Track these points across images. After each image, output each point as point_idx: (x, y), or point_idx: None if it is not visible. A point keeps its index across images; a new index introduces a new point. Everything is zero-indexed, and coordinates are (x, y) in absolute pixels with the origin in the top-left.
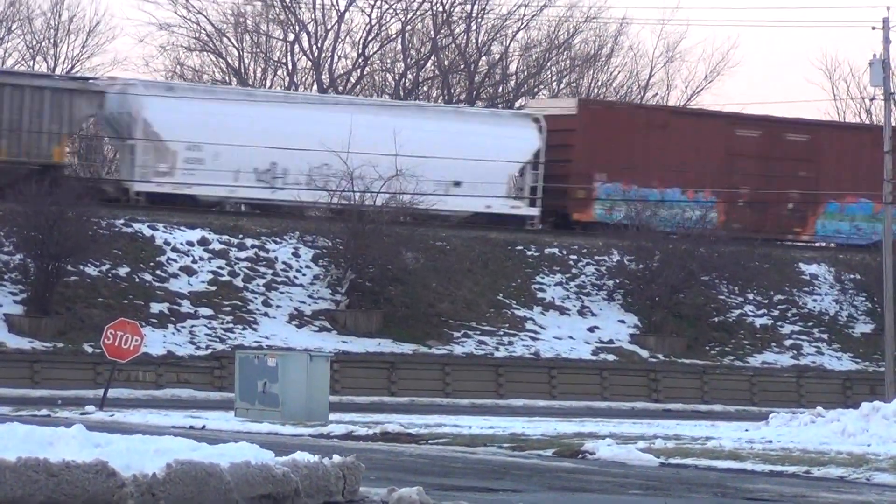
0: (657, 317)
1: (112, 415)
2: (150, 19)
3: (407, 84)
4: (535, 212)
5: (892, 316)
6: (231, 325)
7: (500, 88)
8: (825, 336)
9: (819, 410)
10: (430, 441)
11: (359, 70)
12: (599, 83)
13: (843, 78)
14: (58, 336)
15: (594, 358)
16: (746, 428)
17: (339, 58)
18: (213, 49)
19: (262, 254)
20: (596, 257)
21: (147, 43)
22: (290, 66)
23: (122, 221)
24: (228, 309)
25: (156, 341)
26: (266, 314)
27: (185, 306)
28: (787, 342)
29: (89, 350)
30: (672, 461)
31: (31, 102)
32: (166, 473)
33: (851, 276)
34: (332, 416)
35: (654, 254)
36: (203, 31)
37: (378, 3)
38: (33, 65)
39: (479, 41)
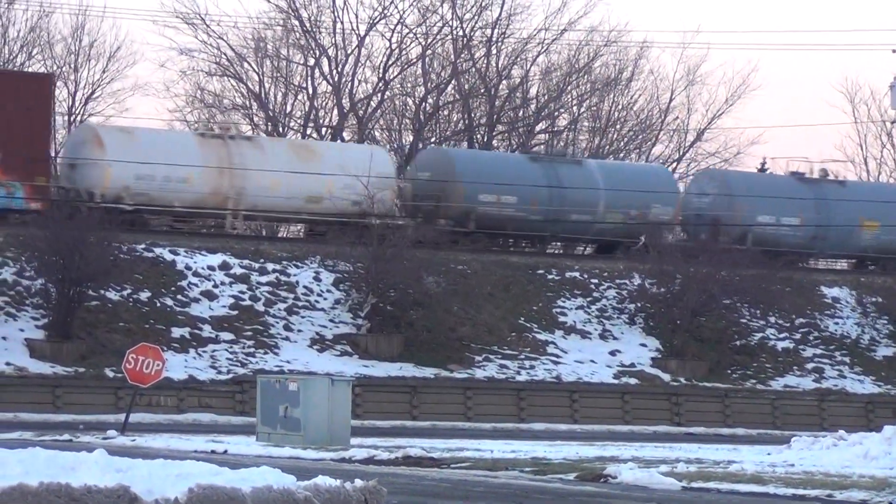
0: (679, 340)
1: (134, 439)
2: (170, 44)
3: (427, 108)
4: None
5: None
6: (252, 350)
7: (521, 112)
8: (847, 359)
9: (841, 434)
10: (451, 465)
11: (379, 94)
12: (620, 107)
13: (863, 101)
14: (79, 361)
15: (616, 382)
16: (769, 451)
17: (360, 82)
18: (233, 74)
19: (283, 278)
20: (617, 281)
21: (167, 68)
22: (310, 91)
23: (143, 246)
24: (250, 333)
25: (177, 366)
26: (287, 338)
27: (207, 331)
28: (809, 365)
29: (111, 375)
30: (694, 485)
31: None
32: (188, 498)
33: (873, 300)
34: (353, 441)
35: (676, 277)
36: (224, 55)
37: (398, 28)
38: (54, 90)
39: (500, 65)
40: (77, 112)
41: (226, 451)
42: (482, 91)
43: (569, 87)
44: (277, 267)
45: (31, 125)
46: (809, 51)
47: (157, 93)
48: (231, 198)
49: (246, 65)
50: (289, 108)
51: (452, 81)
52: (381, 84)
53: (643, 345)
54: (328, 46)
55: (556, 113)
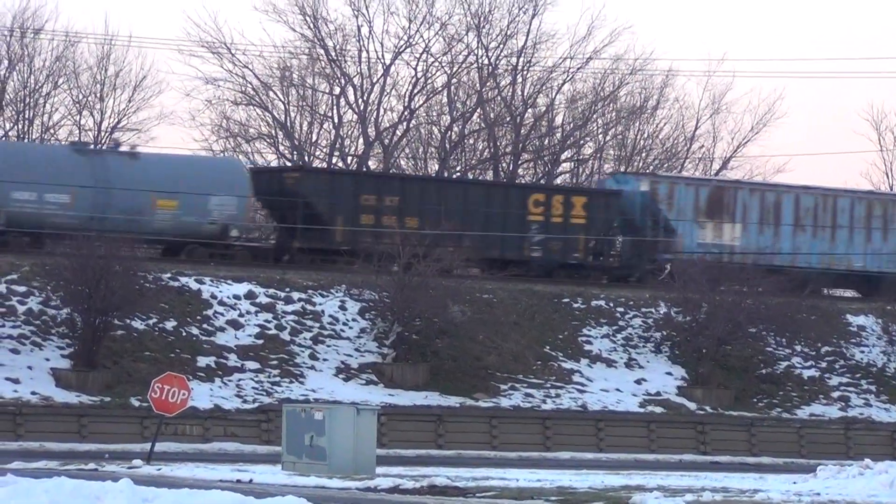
0: (704, 369)
1: (159, 469)
2: (196, 73)
3: (453, 137)
4: None
5: None
6: (278, 379)
7: (546, 141)
8: (873, 388)
9: (867, 462)
10: (477, 494)
11: (405, 123)
12: (645, 135)
13: (889, 129)
14: (105, 390)
15: (641, 410)
16: (795, 480)
17: (385, 111)
18: (259, 103)
19: (308, 307)
20: (643, 309)
21: (193, 97)
22: (336, 120)
23: (168, 275)
24: (275, 362)
25: (203, 395)
26: (313, 367)
27: (232, 360)
28: (835, 394)
29: (136, 404)
30: None
31: None
32: None
33: None
34: (379, 470)
35: (701, 306)
36: (249, 84)
37: (424, 56)
38: (80, 119)
39: (525, 93)
40: (102, 141)
41: (251, 481)
42: (507, 119)
43: (594, 116)
44: (303, 296)
45: None
46: (835, 78)
47: (183, 122)
48: None
49: (271, 94)
50: (314, 137)
51: (478, 110)
52: (406, 113)
53: (669, 373)
54: (353, 75)
55: (582, 141)
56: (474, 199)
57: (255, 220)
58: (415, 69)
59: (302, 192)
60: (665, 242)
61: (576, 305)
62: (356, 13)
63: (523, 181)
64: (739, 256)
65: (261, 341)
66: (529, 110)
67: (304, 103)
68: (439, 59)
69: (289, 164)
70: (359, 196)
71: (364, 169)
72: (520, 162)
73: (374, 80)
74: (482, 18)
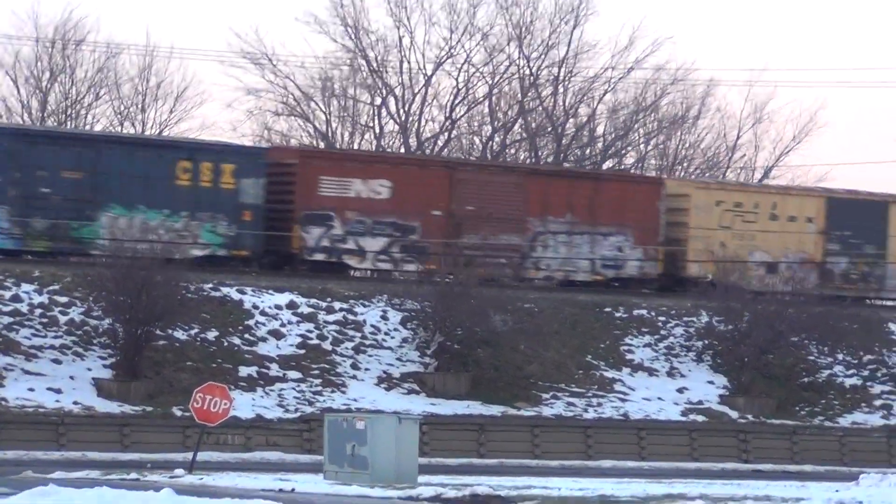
0: (746, 377)
1: (201, 478)
2: (237, 84)
3: (494, 147)
4: None
5: None
6: (320, 388)
7: (588, 151)
8: None
9: None
10: (519, 503)
11: (446, 133)
12: (687, 144)
13: None
14: (147, 400)
15: (683, 419)
16: (837, 488)
17: (427, 121)
18: (300, 113)
19: (350, 317)
20: (685, 318)
21: (234, 108)
22: (377, 130)
23: (210, 285)
24: (317, 372)
25: (245, 404)
26: (355, 377)
27: (274, 369)
28: (877, 402)
29: (178, 413)
30: None
31: None
32: None
33: None
34: (421, 479)
35: (743, 315)
36: (290, 95)
37: (465, 67)
38: (121, 130)
39: (567, 103)
40: None
41: (293, 490)
42: (549, 129)
43: (636, 125)
44: (345, 306)
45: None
46: (877, 88)
47: (224, 133)
48: None
49: (313, 104)
50: (356, 148)
51: (519, 120)
52: (447, 123)
53: (711, 382)
54: (395, 86)
55: (624, 151)
56: None
57: None
58: (456, 79)
59: None
60: None
61: (617, 315)
62: (397, 24)
63: None
64: None
65: (302, 351)
66: (571, 120)
67: (346, 114)
68: (481, 70)
69: None
70: None
71: None
72: None
73: (416, 91)
74: (523, 29)
